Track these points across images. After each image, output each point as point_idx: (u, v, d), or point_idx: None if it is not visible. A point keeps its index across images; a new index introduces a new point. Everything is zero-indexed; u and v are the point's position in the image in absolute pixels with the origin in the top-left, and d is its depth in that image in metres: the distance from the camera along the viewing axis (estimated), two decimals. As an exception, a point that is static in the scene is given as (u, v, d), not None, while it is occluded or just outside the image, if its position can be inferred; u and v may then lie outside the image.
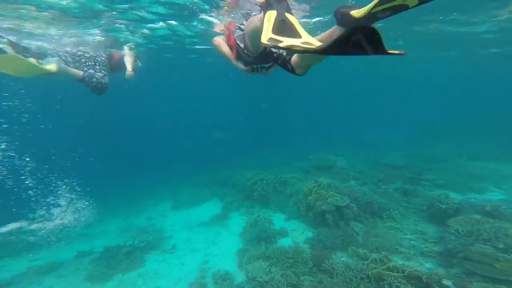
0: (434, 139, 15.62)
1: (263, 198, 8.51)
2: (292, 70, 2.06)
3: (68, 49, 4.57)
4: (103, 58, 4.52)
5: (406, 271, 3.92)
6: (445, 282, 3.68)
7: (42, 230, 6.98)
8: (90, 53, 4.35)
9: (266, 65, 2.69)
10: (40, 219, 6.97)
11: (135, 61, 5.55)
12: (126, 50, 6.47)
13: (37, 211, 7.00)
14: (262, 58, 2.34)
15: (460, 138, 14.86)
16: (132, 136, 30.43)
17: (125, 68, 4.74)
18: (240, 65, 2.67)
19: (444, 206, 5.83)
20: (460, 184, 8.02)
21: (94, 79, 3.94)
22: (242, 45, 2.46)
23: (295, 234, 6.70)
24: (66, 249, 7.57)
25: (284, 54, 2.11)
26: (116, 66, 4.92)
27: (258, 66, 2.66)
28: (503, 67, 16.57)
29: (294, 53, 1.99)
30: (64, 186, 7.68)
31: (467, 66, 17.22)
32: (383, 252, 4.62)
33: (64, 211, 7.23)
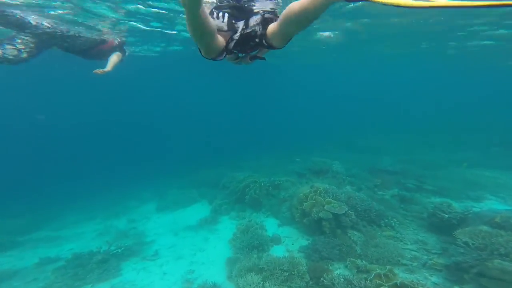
0: (427, 145, 15.68)
1: (255, 202, 8.00)
2: (270, 46, 1.86)
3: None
4: (88, 36, 4.00)
5: (416, 290, 3.53)
6: (459, 303, 3.30)
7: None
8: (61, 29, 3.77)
9: (253, 53, 2.20)
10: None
11: (121, 60, 4.88)
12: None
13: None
14: (241, 42, 1.94)
15: (452, 145, 14.97)
16: (117, 134, 29.04)
17: (105, 60, 4.15)
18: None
19: (446, 215, 5.53)
20: (457, 191, 7.82)
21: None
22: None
23: (289, 242, 6.21)
24: (28, 254, 6.57)
25: (261, 27, 1.83)
26: (99, 52, 4.31)
27: (243, 54, 2.19)
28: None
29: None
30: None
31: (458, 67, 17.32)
32: (387, 266, 4.23)
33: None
